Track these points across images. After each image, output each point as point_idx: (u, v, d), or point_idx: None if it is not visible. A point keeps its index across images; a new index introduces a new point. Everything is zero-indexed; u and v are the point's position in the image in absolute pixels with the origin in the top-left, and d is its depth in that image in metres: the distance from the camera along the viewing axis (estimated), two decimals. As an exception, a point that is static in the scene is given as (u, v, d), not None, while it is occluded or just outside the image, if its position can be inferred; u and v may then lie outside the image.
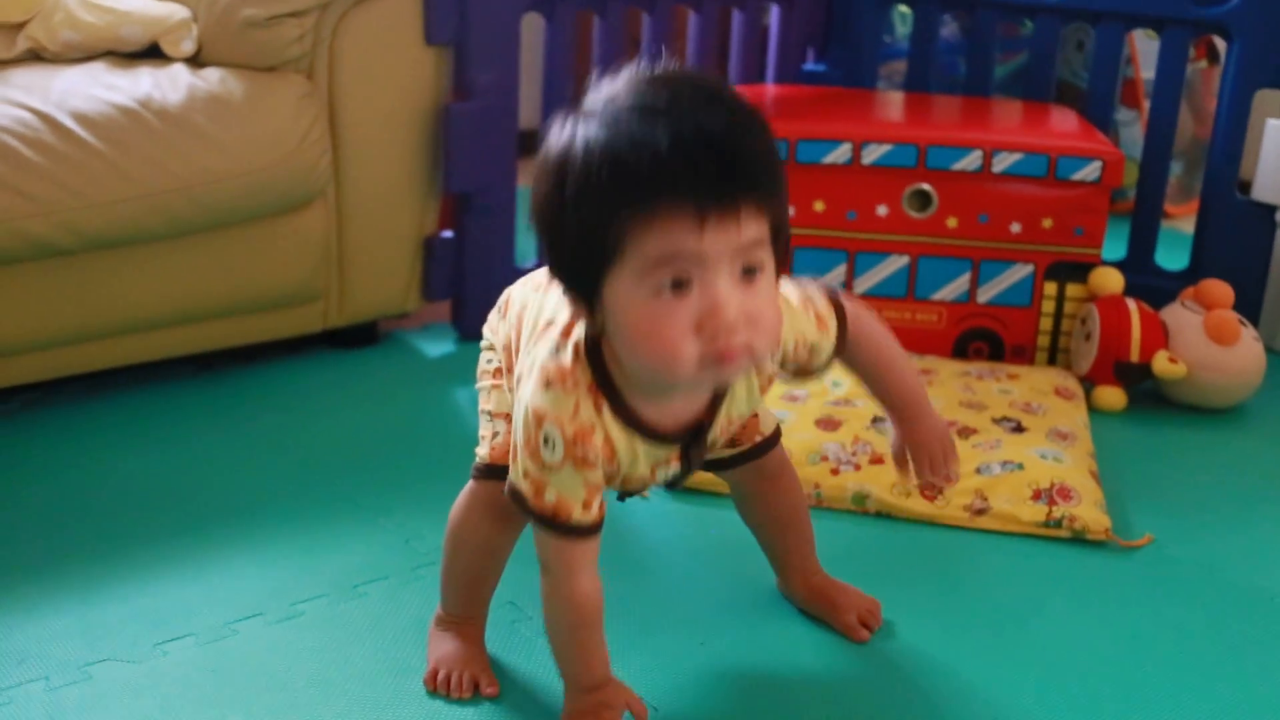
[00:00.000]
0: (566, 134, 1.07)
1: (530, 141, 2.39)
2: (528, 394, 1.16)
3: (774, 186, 1.07)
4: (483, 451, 1.34)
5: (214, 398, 2.01)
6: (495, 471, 1.30)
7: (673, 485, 1.31)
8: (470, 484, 1.35)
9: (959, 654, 1.43)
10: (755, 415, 1.39)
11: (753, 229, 1.05)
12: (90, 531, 1.61)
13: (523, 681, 1.35)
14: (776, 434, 1.42)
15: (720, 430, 1.26)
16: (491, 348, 1.37)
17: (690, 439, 1.23)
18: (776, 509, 1.46)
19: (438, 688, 1.32)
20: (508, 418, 1.31)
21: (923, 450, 1.36)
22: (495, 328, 1.37)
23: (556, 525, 1.17)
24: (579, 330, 1.16)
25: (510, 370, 1.30)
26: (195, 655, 1.36)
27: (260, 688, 1.32)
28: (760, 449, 1.40)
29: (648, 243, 1.03)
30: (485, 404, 1.36)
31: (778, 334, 1.14)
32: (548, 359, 1.16)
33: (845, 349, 1.30)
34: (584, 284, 1.10)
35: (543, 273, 1.22)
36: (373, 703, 1.30)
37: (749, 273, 1.07)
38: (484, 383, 1.36)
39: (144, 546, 1.58)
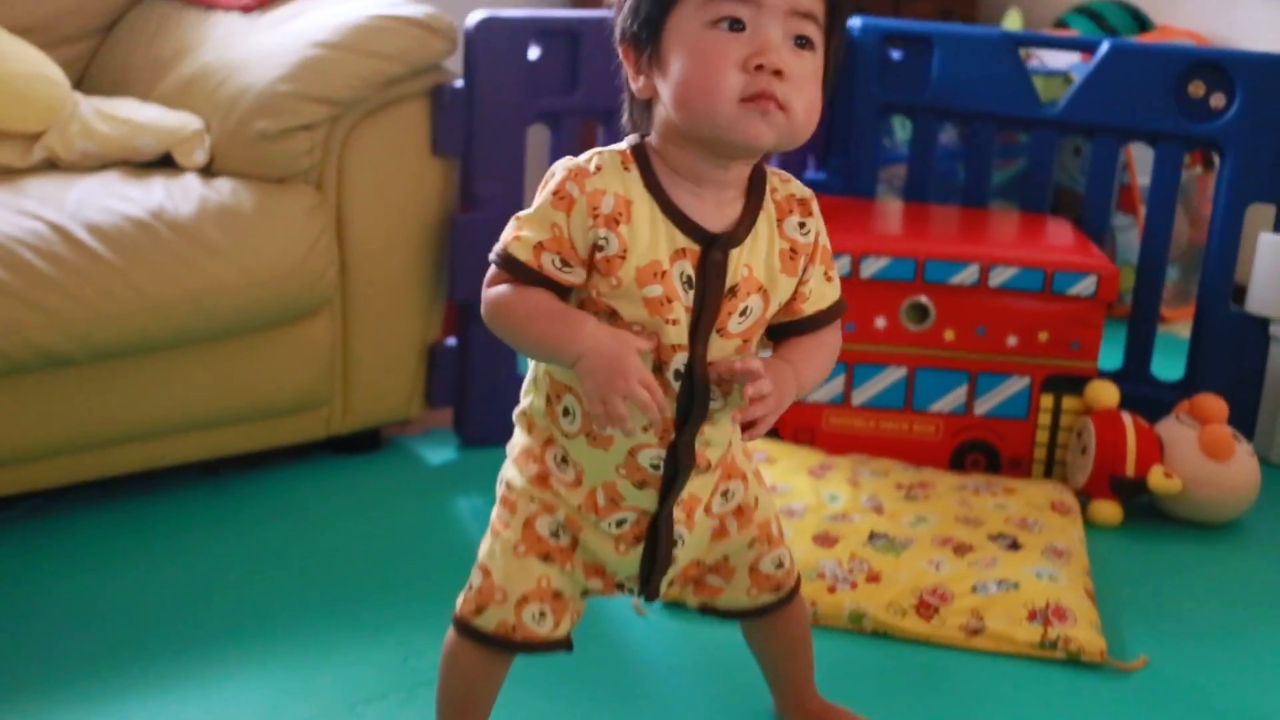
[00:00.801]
0: None
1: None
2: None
3: None
4: (461, 605, 1.34)
5: (219, 505, 2.02)
6: (464, 629, 1.32)
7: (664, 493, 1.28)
8: (451, 631, 1.35)
9: (954, 782, 1.44)
10: (781, 566, 1.40)
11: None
12: (94, 644, 1.62)
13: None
14: (797, 586, 1.44)
15: (743, 267, 1.23)
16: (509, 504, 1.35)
17: (712, 243, 1.22)
18: (783, 641, 1.48)
19: None
20: (485, 570, 1.32)
21: (773, 397, 1.25)
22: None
23: (500, 261, 1.23)
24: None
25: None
26: (194, 777, 1.37)
27: (258, 812, 1.32)
28: (783, 601, 1.42)
29: None
30: (485, 544, 1.35)
31: (814, 114, 1.20)
32: None
33: (814, 328, 1.31)
34: (650, 27, 1.19)
35: None
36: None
37: (800, 42, 1.17)
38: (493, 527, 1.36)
39: (147, 661, 1.59)
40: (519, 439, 1.33)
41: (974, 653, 1.71)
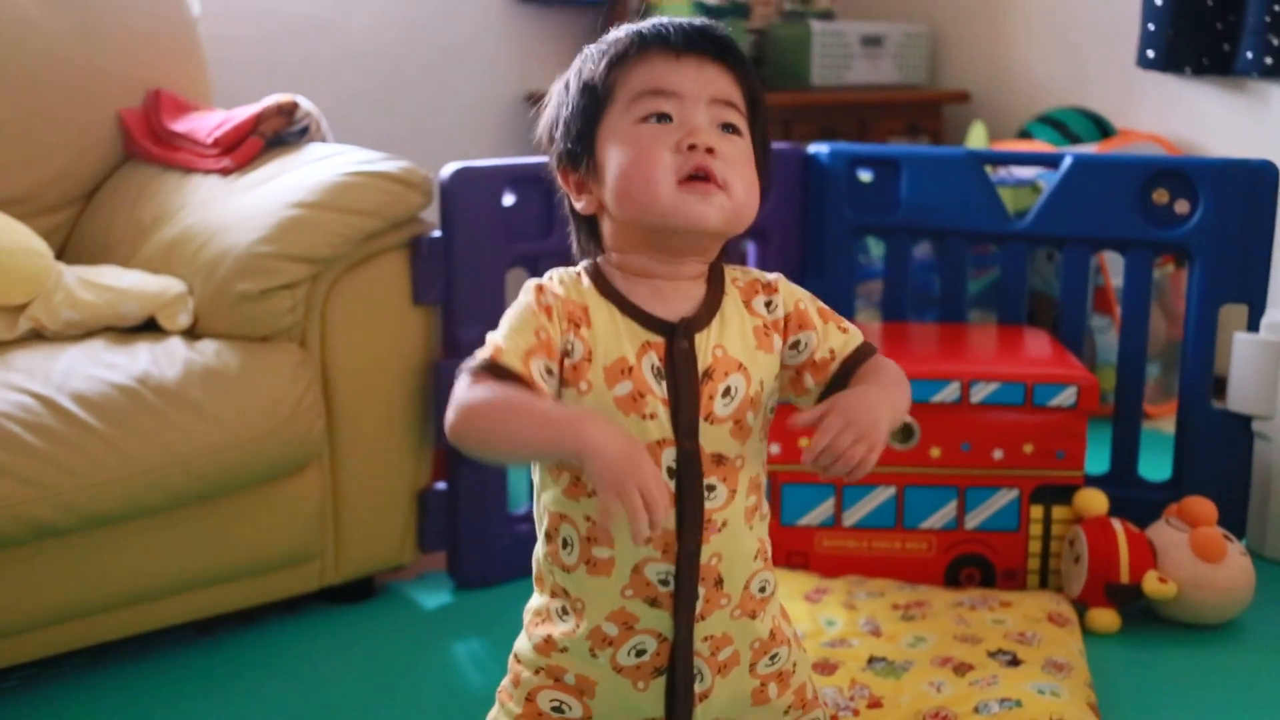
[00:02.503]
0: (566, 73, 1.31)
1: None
2: None
3: (743, 61, 1.27)
4: None
5: (214, 666, 2.01)
6: None
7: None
8: None
9: None
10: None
11: (724, 84, 1.25)
12: (91, 820, 1.60)
13: None
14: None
15: (714, 350, 1.23)
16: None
17: (675, 330, 1.23)
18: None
19: None
20: None
21: (838, 418, 1.19)
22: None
23: (482, 362, 1.20)
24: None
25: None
26: None
27: None
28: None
29: (632, 79, 1.23)
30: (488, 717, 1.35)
31: (754, 193, 1.24)
32: None
33: (862, 366, 1.30)
34: (581, 144, 1.25)
35: None
36: None
37: (727, 129, 1.24)
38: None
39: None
40: (533, 600, 1.32)
41: (981, 775, 1.70)
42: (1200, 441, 2.42)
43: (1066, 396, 2.16)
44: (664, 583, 1.24)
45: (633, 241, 1.25)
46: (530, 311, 1.22)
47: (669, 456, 1.22)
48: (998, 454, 2.19)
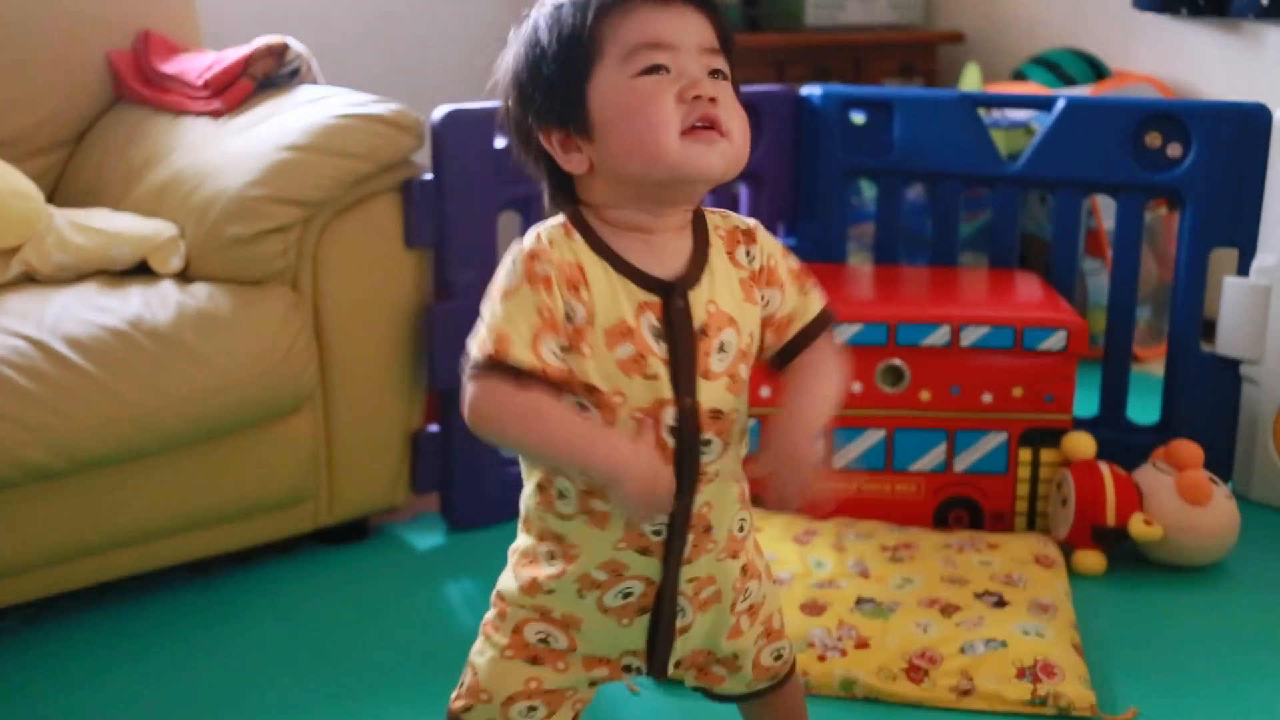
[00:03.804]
0: (524, 25, 1.26)
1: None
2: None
3: (716, 6, 1.25)
4: (451, 696, 1.35)
5: (210, 606, 2.03)
6: None
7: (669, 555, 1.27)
8: None
9: None
10: (780, 657, 1.41)
11: (708, 31, 1.22)
12: (90, 757, 1.63)
13: None
14: (793, 669, 1.44)
15: (707, 305, 1.24)
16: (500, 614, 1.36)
17: (670, 290, 1.23)
18: (779, 715, 1.47)
19: None
20: (473, 669, 1.33)
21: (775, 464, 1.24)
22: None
23: (492, 366, 1.16)
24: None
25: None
26: None
27: None
28: (777, 685, 1.41)
29: (622, 32, 1.20)
30: (475, 648, 1.36)
31: (748, 137, 1.24)
32: None
33: (814, 342, 1.33)
34: (570, 101, 1.21)
35: None
36: None
37: (715, 75, 1.22)
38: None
39: (143, 772, 1.60)
40: (519, 541, 1.33)
41: (965, 713, 1.72)
42: (1189, 385, 2.44)
43: (1056, 340, 2.17)
44: (656, 534, 1.26)
45: (626, 196, 1.23)
46: (528, 290, 1.19)
47: (669, 415, 1.22)
48: (987, 397, 2.20)
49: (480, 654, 1.33)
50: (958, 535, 2.17)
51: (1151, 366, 3.14)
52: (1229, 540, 2.13)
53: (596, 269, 1.21)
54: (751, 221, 1.32)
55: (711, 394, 1.24)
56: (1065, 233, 2.52)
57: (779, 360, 1.33)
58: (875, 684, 1.75)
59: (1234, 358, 2.40)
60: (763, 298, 1.30)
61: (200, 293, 1.99)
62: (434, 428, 2.29)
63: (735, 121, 1.22)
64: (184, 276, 2.06)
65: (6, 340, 1.82)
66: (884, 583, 1.98)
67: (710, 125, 1.19)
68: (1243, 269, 2.38)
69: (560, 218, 1.25)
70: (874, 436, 2.23)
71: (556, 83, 1.22)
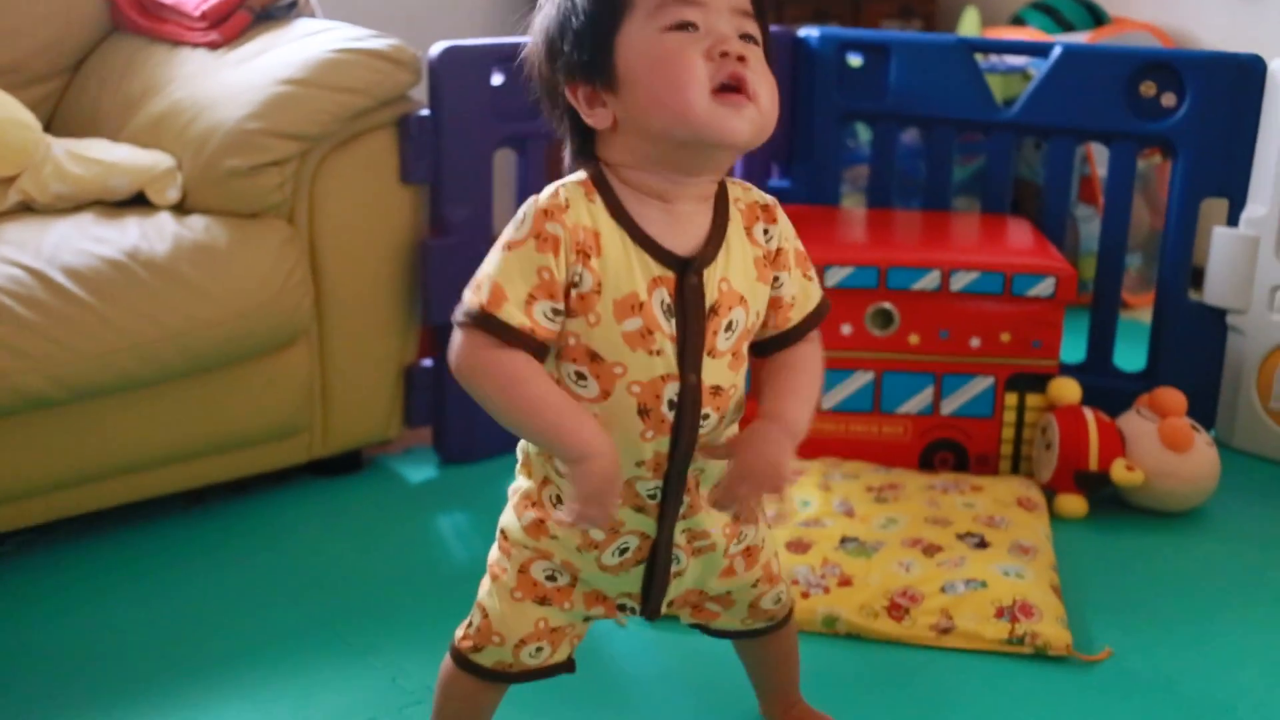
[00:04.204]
0: None
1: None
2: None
3: None
4: (459, 638, 1.38)
5: (205, 534, 2.06)
6: (460, 660, 1.36)
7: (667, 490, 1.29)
8: (447, 658, 1.39)
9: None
10: (779, 601, 1.44)
11: None
12: (90, 680, 1.66)
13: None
14: (790, 613, 1.47)
15: (720, 284, 1.24)
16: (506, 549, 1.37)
17: (686, 267, 1.22)
18: (772, 653, 1.52)
19: None
20: (484, 611, 1.36)
21: (746, 472, 1.26)
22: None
23: (482, 318, 1.17)
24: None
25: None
26: (192, 807, 1.42)
27: (255, 839, 1.37)
28: (774, 627, 1.44)
29: None
30: (483, 586, 1.38)
31: (776, 102, 1.22)
32: None
33: (805, 335, 1.34)
34: (598, 55, 1.19)
35: None
36: None
37: (746, 39, 1.20)
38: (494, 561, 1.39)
39: (143, 693, 1.63)
40: (518, 482, 1.35)
41: (944, 651, 1.76)
42: (1175, 333, 2.46)
43: (1044, 287, 2.20)
44: (651, 496, 1.28)
45: (649, 158, 1.21)
46: (533, 246, 1.17)
47: (671, 390, 1.23)
48: (975, 342, 2.23)
49: (490, 596, 1.35)
50: (942, 477, 2.21)
51: (1141, 314, 3.17)
52: (1208, 487, 2.17)
53: (613, 237, 1.20)
54: (772, 199, 1.31)
55: (714, 371, 1.25)
56: (1058, 180, 2.53)
57: (767, 347, 1.33)
58: (857, 621, 1.79)
59: (1221, 307, 2.42)
60: (775, 279, 1.30)
61: (197, 225, 2.01)
62: (427, 362, 2.31)
63: (764, 87, 1.20)
64: (181, 208, 2.08)
65: (5, 270, 1.83)
66: (868, 522, 2.01)
67: (738, 87, 1.17)
68: (1232, 220, 2.40)
69: (582, 174, 1.23)
70: (862, 378, 2.26)
71: (585, 35, 1.20)
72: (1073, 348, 2.52)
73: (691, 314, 1.22)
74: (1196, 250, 2.46)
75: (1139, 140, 2.44)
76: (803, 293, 1.33)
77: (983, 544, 1.95)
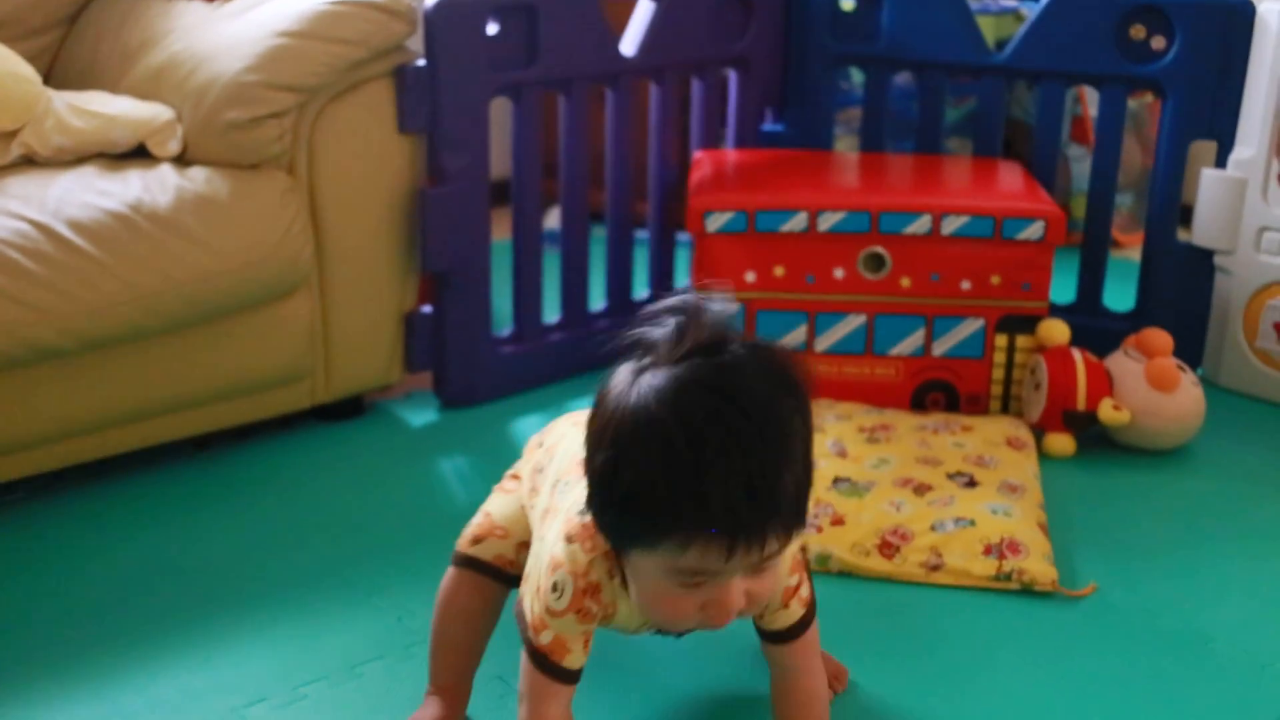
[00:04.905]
0: (631, 409, 1.15)
1: (503, 192, 2.49)
2: (550, 539, 1.30)
3: (799, 519, 1.18)
4: (459, 542, 1.46)
5: (211, 480, 2.11)
6: (463, 560, 1.45)
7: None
8: (449, 567, 1.48)
9: (919, 706, 1.55)
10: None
11: (774, 546, 1.17)
12: (103, 620, 1.71)
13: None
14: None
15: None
16: (517, 476, 1.49)
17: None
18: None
19: None
20: (487, 512, 1.45)
21: None
22: (530, 453, 1.50)
23: (546, 664, 1.28)
24: None
25: (533, 490, 1.42)
26: (207, 744, 1.47)
27: (269, 773, 1.43)
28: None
29: (680, 558, 1.15)
30: (488, 502, 1.49)
31: (772, 592, 1.27)
32: (575, 513, 1.28)
33: (789, 646, 1.38)
34: (615, 545, 1.23)
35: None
36: (373, 784, 1.41)
37: (758, 569, 1.20)
38: (500, 486, 1.51)
39: (154, 635, 1.68)
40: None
41: (934, 587, 1.81)
42: (1164, 273, 2.50)
43: (1034, 230, 2.23)
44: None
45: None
46: (574, 619, 1.26)
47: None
48: (965, 285, 2.26)
49: (494, 502, 1.47)
50: (933, 417, 2.25)
51: (1132, 253, 3.21)
52: (1194, 426, 2.21)
53: (625, 606, 1.29)
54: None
55: None
56: (1049, 123, 2.56)
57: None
58: (849, 559, 1.84)
59: (1208, 248, 2.45)
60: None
61: (198, 176, 2.04)
62: (427, 309, 2.35)
63: (754, 601, 1.22)
64: (181, 160, 2.10)
65: (11, 223, 1.86)
66: (860, 463, 2.06)
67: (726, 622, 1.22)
68: (1220, 161, 2.43)
69: (604, 547, 1.26)
70: (855, 321, 2.30)
71: (608, 525, 1.21)
72: (1063, 288, 2.56)
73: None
74: (1186, 191, 2.49)
75: (1129, 83, 2.47)
76: (777, 616, 1.36)
77: (972, 483, 1.99)
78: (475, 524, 1.48)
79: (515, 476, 1.51)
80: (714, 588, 1.18)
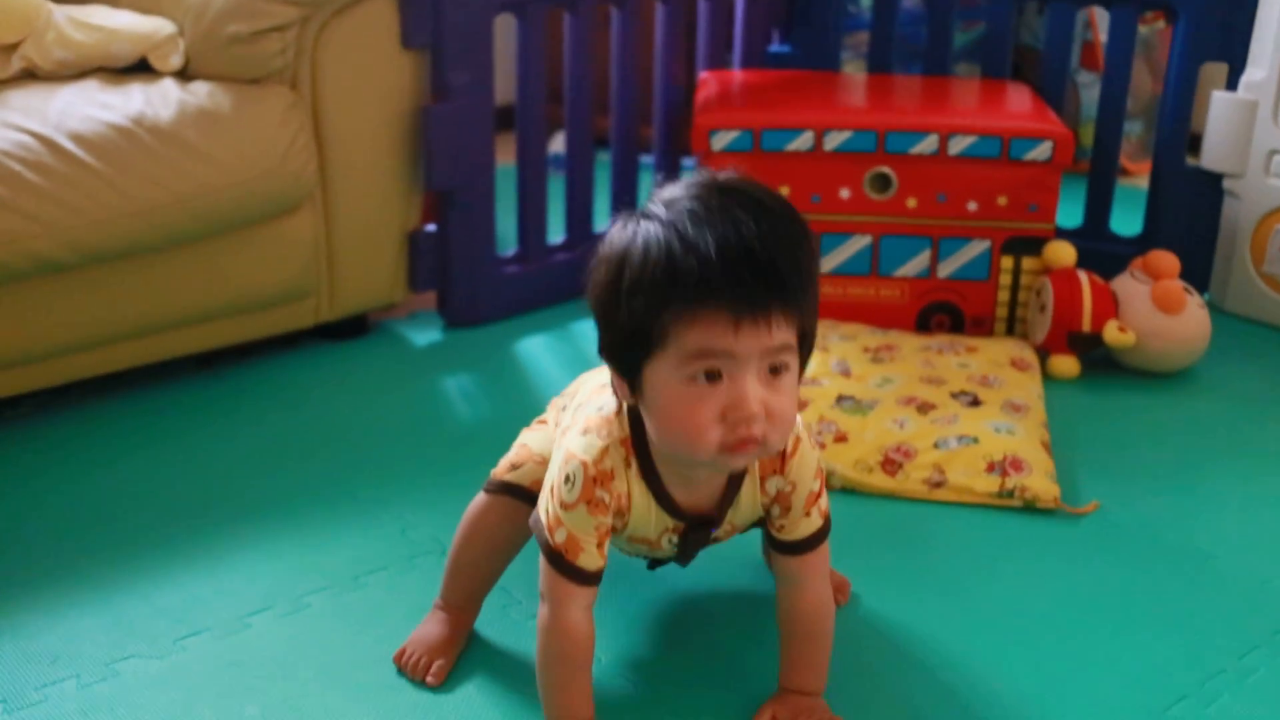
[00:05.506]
0: (629, 232, 1.19)
1: (508, 118, 2.48)
2: (568, 439, 1.31)
3: (803, 298, 1.18)
4: (496, 470, 1.47)
5: (216, 395, 2.11)
6: (499, 486, 1.46)
7: (669, 561, 1.44)
8: (480, 494, 1.48)
9: (920, 619, 1.55)
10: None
11: (782, 333, 1.17)
12: (108, 532, 1.72)
13: (508, 668, 1.47)
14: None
15: (724, 531, 1.39)
16: (544, 421, 1.51)
17: (695, 523, 1.34)
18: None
19: (400, 665, 1.46)
20: (524, 444, 1.48)
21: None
22: (553, 403, 1.51)
23: (562, 564, 1.28)
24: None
25: (559, 425, 1.43)
26: (213, 649, 1.48)
27: (273, 678, 1.43)
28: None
29: (687, 338, 1.15)
30: (522, 435, 1.50)
31: (789, 425, 1.23)
32: (593, 413, 1.31)
33: (796, 552, 1.36)
34: (629, 365, 1.22)
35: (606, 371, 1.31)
36: (374, 689, 1.42)
37: (774, 370, 1.19)
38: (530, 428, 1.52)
39: (159, 545, 1.69)
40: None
41: (936, 504, 1.82)
42: (1172, 197, 2.49)
43: (1041, 151, 2.21)
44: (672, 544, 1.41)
45: (667, 453, 1.28)
46: (585, 510, 1.27)
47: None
48: (972, 205, 2.25)
49: (530, 434, 1.48)
50: (938, 339, 2.25)
51: (1140, 181, 3.19)
52: (1199, 348, 2.21)
53: (642, 500, 1.30)
54: (790, 443, 1.32)
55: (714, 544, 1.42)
56: (1057, 45, 2.53)
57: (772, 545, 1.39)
58: (852, 475, 1.84)
59: (1217, 171, 2.44)
60: (770, 510, 1.35)
61: (201, 91, 2.02)
62: (431, 227, 2.34)
63: (777, 426, 1.20)
64: (183, 75, 2.09)
65: (13, 135, 1.85)
66: (864, 382, 2.06)
67: (750, 441, 1.19)
68: (1231, 84, 2.41)
69: (621, 428, 1.28)
70: (860, 242, 2.29)
71: (618, 347, 1.21)
72: (1071, 213, 2.54)
73: (693, 545, 1.38)
74: (1195, 120, 2.47)
75: (1140, 4, 2.44)
76: (795, 524, 1.35)
77: (976, 402, 1.99)
78: (513, 453, 1.48)
79: (543, 421, 1.51)
80: (730, 386, 1.16)
